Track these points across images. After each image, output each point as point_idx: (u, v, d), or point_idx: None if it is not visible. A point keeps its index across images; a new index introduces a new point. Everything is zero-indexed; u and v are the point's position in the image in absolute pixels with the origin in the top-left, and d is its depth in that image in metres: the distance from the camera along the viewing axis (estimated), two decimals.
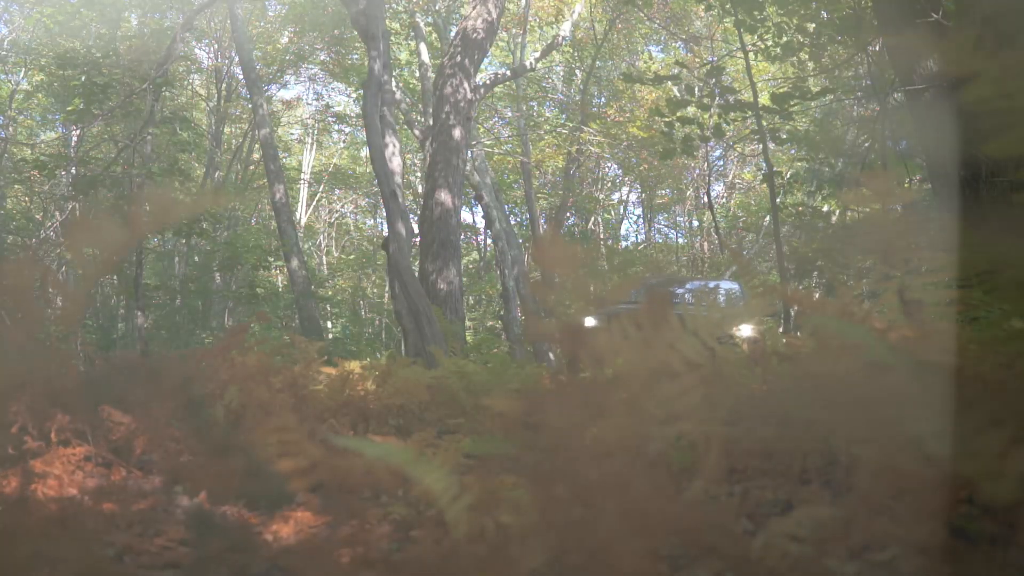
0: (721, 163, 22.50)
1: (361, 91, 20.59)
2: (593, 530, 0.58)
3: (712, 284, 10.64)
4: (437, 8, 15.89)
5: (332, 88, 25.50)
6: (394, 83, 12.62)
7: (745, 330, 6.74)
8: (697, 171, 20.43)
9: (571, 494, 0.63)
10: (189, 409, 0.69)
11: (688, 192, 23.68)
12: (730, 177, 23.83)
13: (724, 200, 24.24)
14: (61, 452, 1.64)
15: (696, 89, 8.27)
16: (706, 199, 18.64)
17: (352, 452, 0.71)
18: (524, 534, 0.60)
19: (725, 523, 0.78)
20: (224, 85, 22.76)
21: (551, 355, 11.36)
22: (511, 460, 2.11)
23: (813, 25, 6.05)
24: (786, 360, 1.19)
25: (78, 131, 16.43)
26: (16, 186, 17.44)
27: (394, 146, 8.28)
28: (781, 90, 6.24)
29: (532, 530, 0.61)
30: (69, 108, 10.30)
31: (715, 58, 17.15)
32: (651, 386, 0.64)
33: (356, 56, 20.63)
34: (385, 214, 8.06)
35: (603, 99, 20.35)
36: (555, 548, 0.59)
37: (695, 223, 25.65)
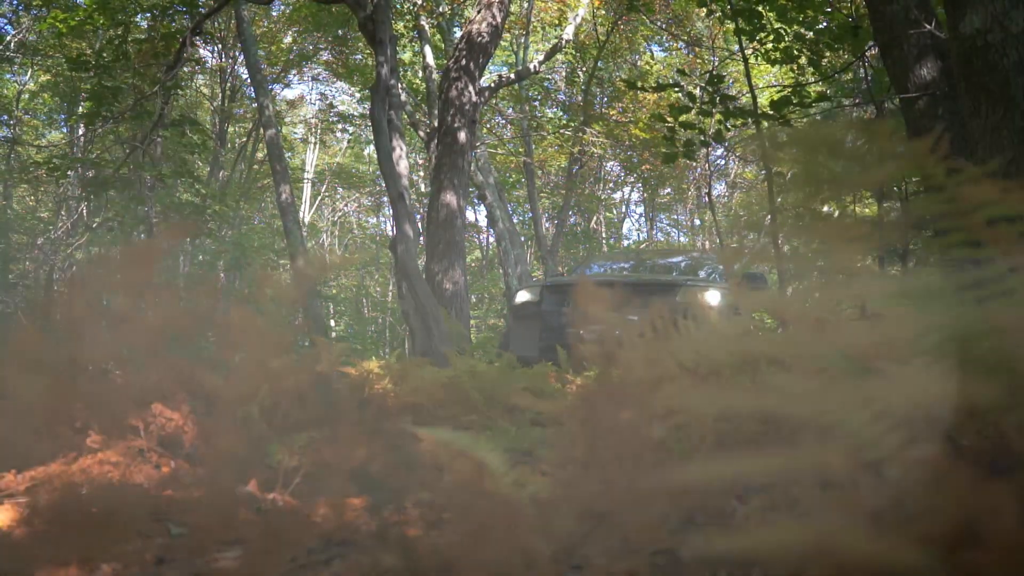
0: (723, 162, 22.66)
1: (365, 91, 20.66)
2: (608, 498, 0.75)
3: (698, 255, 10.45)
4: (441, 11, 16.02)
5: (335, 88, 25.70)
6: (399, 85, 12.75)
7: (712, 298, 6.59)
8: (699, 170, 20.59)
9: (590, 472, 0.80)
10: (359, 406, 0.86)
11: (690, 191, 23.82)
12: (732, 176, 23.99)
13: (726, 199, 24.41)
14: (120, 445, 1.81)
15: (698, 89, 8.41)
16: (707, 199, 18.77)
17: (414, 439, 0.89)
18: (555, 504, 0.77)
19: (715, 496, 0.96)
20: (228, 85, 22.93)
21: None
22: (526, 452, 2.28)
23: (811, 33, 6.21)
24: (772, 363, 1.35)
25: (84, 132, 16.59)
26: (23, 186, 17.64)
27: (401, 149, 8.43)
28: (780, 95, 6.39)
29: (561, 500, 0.78)
30: (80, 111, 10.47)
31: (716, 57, 17.30)
32: (656, 387, 0.80)
33: (360, 56, 20.78)
34: (392, 216, 8.22)
35: (605, 99, 20.49)
36: (579, 513, 0.76)
37: (697, 222, 25.82)
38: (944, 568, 0.42)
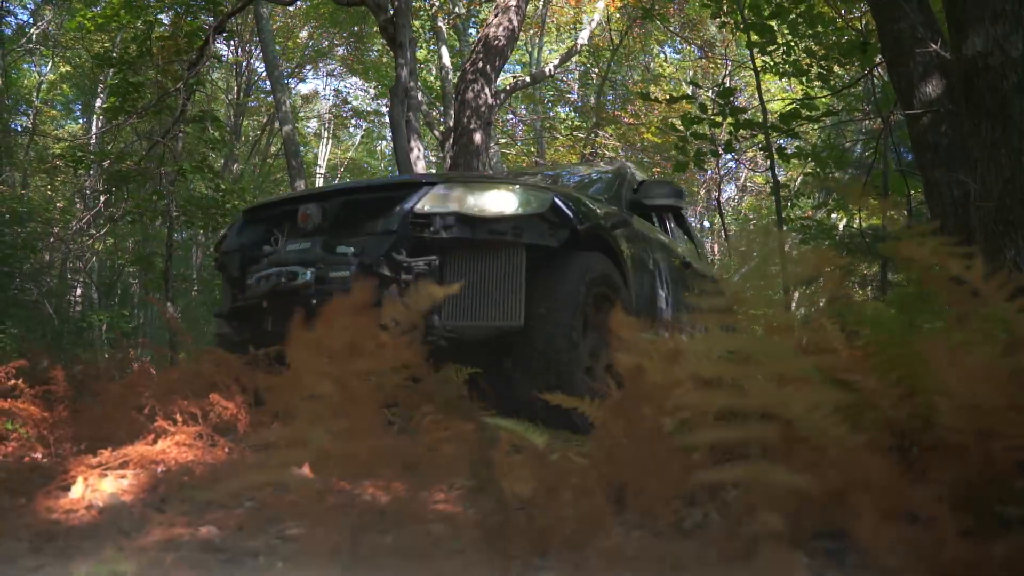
0: (733, 165, 22.77)
1: (379, 86, 20.73)
2: (628, 475, 0.95)
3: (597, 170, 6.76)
4: (456, 12, 16.20)
5: (350, 83, 25.93)
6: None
7: (501, 204, 3.44)
8: (709, 173, 20.72)
9: (614, 455, 1.00)
10: (461, 399, 1.05)
11: (700, 194, 23.95)
12: (741, 180, 24.12)
13: (735, 202, 24.55)
14: (185, 430, 2.02)
15: (710, 93, 8.53)
16: (717, 202, 18.91)
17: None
18: (589, 478, 0.98)
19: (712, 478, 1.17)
20: (243, 79, 23.20)
21: None
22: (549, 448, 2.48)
23: (821, 48, 6.38)
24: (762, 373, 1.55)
25: (102, 125, 16.85)
26: (41, 175, 17.93)
27: (419, 150, 8.62)
28: (788, 107, 6.56)
29: (594, 477, 0.99)
30: (105, 105, 10.71)
31: (729, 60, 17.44)
32: (667, 390, 1.00)
33: (375, 53, 21.00)
34: None
35: (617, 101, 20.64)
36: (608, 486, 0.97)
37: (706, 224, 25.95)
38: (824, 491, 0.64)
